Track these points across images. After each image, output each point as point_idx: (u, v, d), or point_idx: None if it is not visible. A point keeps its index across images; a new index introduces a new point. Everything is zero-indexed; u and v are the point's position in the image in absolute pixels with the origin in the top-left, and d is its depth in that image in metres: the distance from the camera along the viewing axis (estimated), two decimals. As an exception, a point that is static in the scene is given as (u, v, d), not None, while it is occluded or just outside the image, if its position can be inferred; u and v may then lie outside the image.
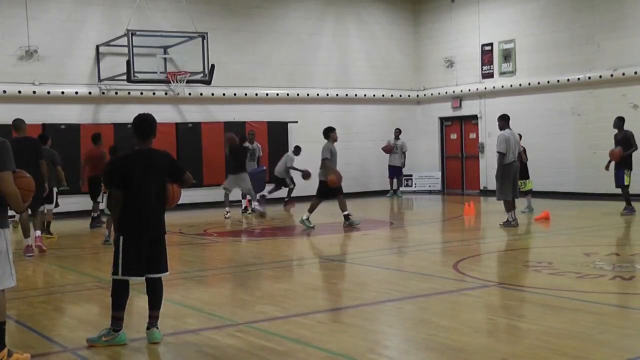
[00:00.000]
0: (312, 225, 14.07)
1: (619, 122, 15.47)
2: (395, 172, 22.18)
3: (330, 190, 14.27)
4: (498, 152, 13.48)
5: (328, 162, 14.23)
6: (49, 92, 18.43)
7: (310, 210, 14.25)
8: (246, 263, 10.97)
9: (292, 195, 19.60)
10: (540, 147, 19.59)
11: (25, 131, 12.04)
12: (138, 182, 6.09)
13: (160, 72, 18.22)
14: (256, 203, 17.21)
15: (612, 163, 15.17)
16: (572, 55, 19.55)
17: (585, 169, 19.17)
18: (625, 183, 15.09)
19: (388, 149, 21.83)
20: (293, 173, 19.50)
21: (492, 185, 14.53)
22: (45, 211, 13.81)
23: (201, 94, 20.12)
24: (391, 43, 23.70)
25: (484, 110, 22.12)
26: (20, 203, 5.39)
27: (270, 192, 19.13)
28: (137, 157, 6.21)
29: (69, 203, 16.03)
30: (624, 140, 15.17)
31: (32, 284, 9.29)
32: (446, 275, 8.93)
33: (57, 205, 14.26)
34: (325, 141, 14.45)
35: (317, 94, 22.10)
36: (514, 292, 8.03)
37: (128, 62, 17.08)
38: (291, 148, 20.54)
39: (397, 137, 21.56)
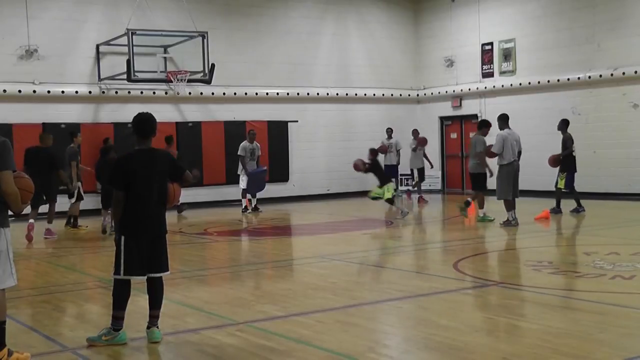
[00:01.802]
0: (492, 218, 14.32)
1: (562, 124, 15.85)
2: (391, 170, 22.14)
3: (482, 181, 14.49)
4: (491, 152, 13.51)
5: (483, 154, 14.28)
6: (49, 92, 18.43)
7: (482, 206, 14.50)
8: (246, 262, 10.98)
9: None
10: (540, 146, 19.55)
11: (47, 143, 13.66)
12: (140, 182, 6.08)
13: (161, 72, 18.22)
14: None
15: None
16: (572, 55, 19.54)
17: (585, 168, 19.10)
18: (558, 185, 15.34)
19: (383, 149, 21.74)
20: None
21: (493, 184, 14.53)
22: (70, 206, 15.30)
23: (201, 94, 20.12)
24: (391, 42, 23.69)
25: (484, 110, 22.11)
26: (19, 203, 5.38)
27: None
28: (138, 156, 6.20)
29: (67, 203, 15.96)
30: (562, 142, 15.58)
31: (33, 283, 9.29)
32: (446, 275, 8.93)
33: (81, 198, 15.15)
34: (475, 133, 14.81)
35: (317, 93, 22.09)
36: (514, 291, 8.03)
37: (128, 62, 17.08)
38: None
39: (389, 137, 21.58)
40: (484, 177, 14.46)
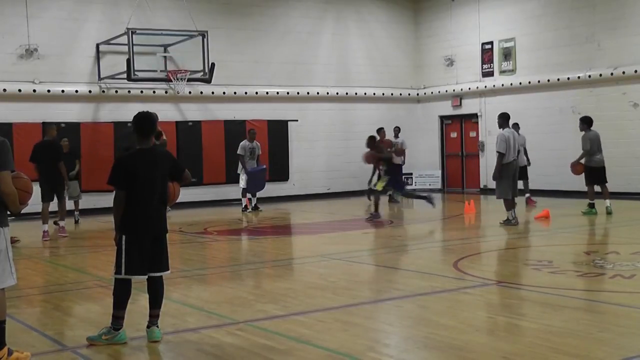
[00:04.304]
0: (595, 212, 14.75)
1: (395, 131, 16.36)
2: (396, 169, 22.04)
3: (595, 175, 14.85)
4: (497, 152, 13.47)
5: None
6: (49, 91, 18.43)
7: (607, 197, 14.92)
8: (246, 261, 10.98)
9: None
10: (540, 145, 19.59)
11: (51, 135, 13.91)
12: (142, 181, 6.07)
13: (161, 71, 18.22)
14: None
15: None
16: (572, 54, 19.54)
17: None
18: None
19: (400, 152, 21.10)
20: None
21: (492, 183, 14.54)
22: None
23: (201, 93, 20.12)
24: (391, 41, 23.69)
25: (484, 109, 22.12)
26: (17, 204, 5.37)
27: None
28: (140, 156, 6.19)
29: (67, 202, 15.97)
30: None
31: (32, 282, 9.29)
32: (446, 274, 8.93)
33: None
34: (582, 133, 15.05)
35: (318, 93, 22.09)
36: (514, 290, 8.03)
37: (128, 61, 17.07)
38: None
39: (396, 136, 21.50)
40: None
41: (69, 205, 15.42)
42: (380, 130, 19.44)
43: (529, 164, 17.33)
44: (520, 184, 16.50)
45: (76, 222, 16.45)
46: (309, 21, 22.21)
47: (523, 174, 17.07)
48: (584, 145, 14.91)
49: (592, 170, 14.94)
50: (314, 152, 22.16)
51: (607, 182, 14.97)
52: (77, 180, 16.36)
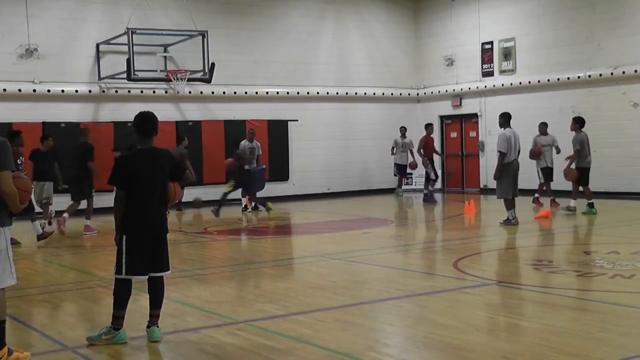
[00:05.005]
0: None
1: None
2: (402, 170, 22.07)
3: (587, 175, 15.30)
4: (499, 151, 13.47)
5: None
6: (49, 91, 18.43)
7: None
8: (246, 261, 10.97)
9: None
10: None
11: (86, 138, 14.43)
12: (142, 181, 6.07)
13: (161, 71, 18.22)
14: None
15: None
16: (572, 54, 19.54)
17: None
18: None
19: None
20: None
21: (492, 183, 14.56)
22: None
23: (201, 93, 20.11)
24: (391, 41, 23.69)
25: (484, 109, 22.12)
26: (18, 203, 5.38)
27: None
28: (141, 156, 6.19)
29: (65, 202, 15.97)
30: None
31: (32, 282, 9.28)
32: (446, 274, 8.93)
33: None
34: (574, 133, 15.34)
35: (318, 92, 22.09)
36: (514, 290, 8.03)
37: (128, 61, 17.07)
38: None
39: (403, 136, 21.48)
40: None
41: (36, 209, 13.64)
42: (428, 126, 19.79)
43: (558, 151, 16.98)
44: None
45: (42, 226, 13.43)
46: (309, 21, 22.21)
47: (549, 174, 17.03)
48: (574, 147, 15.12)
49: (588, 171, 15.24)
50: (313, 152, 22.15)
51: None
52: (53, 182, 14.15)
